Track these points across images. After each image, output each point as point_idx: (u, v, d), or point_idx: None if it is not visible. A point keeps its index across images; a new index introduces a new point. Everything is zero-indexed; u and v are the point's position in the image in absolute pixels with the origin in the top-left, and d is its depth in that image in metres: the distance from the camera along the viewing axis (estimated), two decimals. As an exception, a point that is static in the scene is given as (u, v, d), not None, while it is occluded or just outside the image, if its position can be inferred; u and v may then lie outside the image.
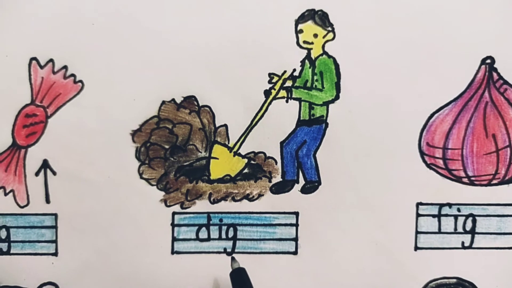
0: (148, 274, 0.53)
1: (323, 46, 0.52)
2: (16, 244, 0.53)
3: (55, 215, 0.52)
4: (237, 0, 0.51)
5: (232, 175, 0.53)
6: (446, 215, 0.54)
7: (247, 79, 0.52)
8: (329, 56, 0.52)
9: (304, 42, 0.52)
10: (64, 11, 0.51)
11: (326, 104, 0.53)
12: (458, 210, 0.54)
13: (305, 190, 0.53)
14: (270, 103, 0.52)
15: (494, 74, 0.53)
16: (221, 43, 0.52)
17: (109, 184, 0.52)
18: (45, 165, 0.52)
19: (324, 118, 0.53)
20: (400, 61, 0.52)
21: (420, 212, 0.54)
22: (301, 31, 0.52)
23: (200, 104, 0.52)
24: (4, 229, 0.53)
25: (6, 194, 0.52)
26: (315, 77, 0.52)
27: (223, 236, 0.53)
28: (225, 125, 0.53)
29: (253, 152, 0.53)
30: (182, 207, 0.53)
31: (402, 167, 0.53)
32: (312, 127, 0.53)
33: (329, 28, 0.52)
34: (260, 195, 0.53)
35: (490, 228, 0.54)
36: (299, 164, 0.53)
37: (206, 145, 0.53)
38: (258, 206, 0.53)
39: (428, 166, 0.53)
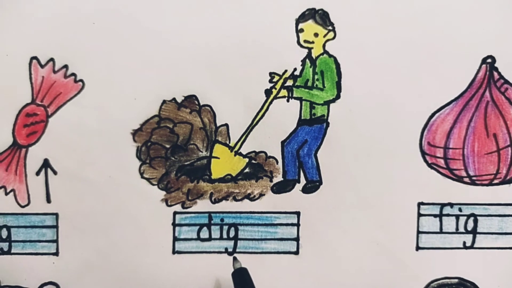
0: (149, 273, 0.53)
1: (323, 45, 0.52)
2: (17, 244, 0.53)
3: (56, 214, 0.52)
4: (237, -1, 0.51)
5: (233, 175, 0.53)
6: (448, 215, 0.54)
7: (248, 78, 0.52)
8: (330, 56, 0.52)
9: (305, 41, 0.52)
10: (65, 11, 0.51)
11: (327, 103, 0.53)
12: (460, 210, 0.54)
13: (306, 190, 0.53)
14: (271, 103, 0.52)
15: (495, 74, 0.53)
16: (222, 42, 0.52)
17: (110, 183, 0.52)
18: (46, 164, 0.52)
19: (325, 117, 0.53)
20: (401, 61, 0.52)
21: (422, 212, 0.53)
22: (301, 30, 0.52)
23: (201, 104, 0.52)
24: (5, 229, 0.52)
25: (6, 194, 0.52)
26: (316, 77, 0.52)
27: (224, 236, 0.53)
28: (226, 125, 0.53)
29: (254, 151, 0.53)
30: (183, 207, 0.53)
31: (403, 167, 0.53)
32: (313, 127, 0.53)
33: (330, 27, 0.52)
34: (261, 195, 0.53)
35: (492, 228, 0.54)
36: (300, 164, 0.53)
37: (207, 145, 0.53)
38: (259, 205, 0.53)
39: (429, 165, 0.53)
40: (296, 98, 0.53)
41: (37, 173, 0.52)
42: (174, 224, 0.53)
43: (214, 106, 0.52)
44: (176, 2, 0.51)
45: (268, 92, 0.52)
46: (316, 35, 0.52)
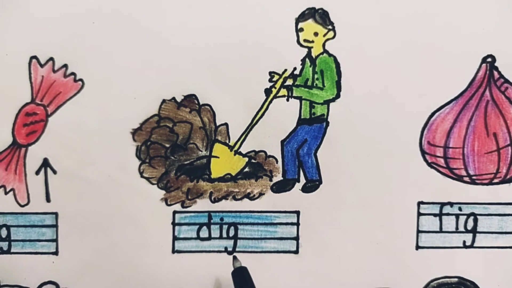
0: (149, 273, 0.53)
1: (323, 45, 0.52)
2: (16, 243, 0.53)
3: (56, 214, 0.52)
4: (237, -1, 0.51)
5: (233, 174, 0.53)
6: (447, 214, 0.54)
7: (247, 77, 0.52)
8: (330, 55, 0.52)
9: (305, 40, 0.52)
10: (64, 10, 0.51)
11: (327, 102, 0.53)
12: (460, 209, 0.54)
13: (306, 189, 0.53)
14: (270, 102, 0.52)
15: (495, 73, 0.53)
16: (222, 41, 0.52)
17: (109, 183, 0.52)
18: (46, 163, 0.52)
19: (325, 116, 0.53)
20: (401, 60, 0.52)
21: (421, 211, 0.53)
22: (301, 29, 0.52)
23: (201, 103, 0.52)
24: (4, 228, 0.52)
25: (6, 193, 0.52)
26: (316, 76, 0.52)
27: (224, 235, 0.53)
28: (226, 124, 0.53)
29: (253, 151, 0.53)
30: (182, 206, 0.53)
31: (403, 166, 0.53)
32: (313, 126, 0.53)
33: (330, 27, 0.52)
34: (261, 194, 0.53)
35: (492, 227, 0.54)
36: (300, 163, 0.53)
37: (207, 144, 0.53)
38: (259, 205, 0.53)
39: (429, 165, 0.53)
40: (295, 98, 0.53)
41: (37, 173, 0.52)
42: (174, 224, 0.53)
43: (213, 106, 0.52)
44: (175, 2, 0.51)
45: (267, 92, 0.52)
46: (316, 34, 0.52)
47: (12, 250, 0.53)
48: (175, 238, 0.53)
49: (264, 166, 0.53)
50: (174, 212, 0.53)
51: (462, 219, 0.54)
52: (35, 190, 0.52)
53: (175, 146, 0.53)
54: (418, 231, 0.54)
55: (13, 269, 0.53)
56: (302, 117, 0.53)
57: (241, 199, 0.53)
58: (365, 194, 0.53)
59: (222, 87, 0.52)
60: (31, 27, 0.51)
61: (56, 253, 0.53)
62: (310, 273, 0.53)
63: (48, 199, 0.52)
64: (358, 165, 0.53)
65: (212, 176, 0.53)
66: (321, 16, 0.52)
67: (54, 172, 0.52)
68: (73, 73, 0.51)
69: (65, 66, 0.51)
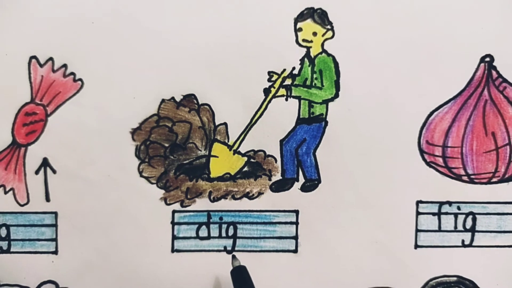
0: (148, 272, 0.53)
1: (322, 44, 0.52)
2: (16, 243, 0.53)
3: (55, 213, 0.52)
4: (236, -1, 0.52)
5: (232, 173, 0.53)
6: (446, 213, 0.54)
7: (246, 77, 0.52)
8: (329, 54, 0.52)
9: (303, 40, 0.52)
10: (64, 10, 0.51)
11: (326, 102, 0.53)
12: (458, 208, 0.54)
13: (305, 188, 0.53)
14: (269, 102, 0.52)
15: (493, 72, 0.53)
16: (221, 41, 0.52)
17: (109, 182, 0.52)
18: (45, 163, 0.52)
19: (324, 116, 0.53)
20: (400, 59, 0.52)
21: (420, 210, 0.54)
22: (300, 29, 0.52)
23: (200, 103, 0.52)
24: (4, 227, 0.52)
25: (6, 193, 0.52)
26: (315, 75, 0.52)
27: (223, 234, 0.53)
28: (225, 123, 0.53)
29: (252, 150, 0.53)
30: (182, 205, 0.53)
31: (402, 165, 0.53)
32: (312, 125, 0.53)
33: (328, 27, 0.52)
34: (260, 193, 0.53)
35: (490, 226, 0.54)
36: (298, 162, 0.53)
37: (206, 143, 0.53)
38: (258, 204, 0.53)
39: (428, 164, 0.53)
40: (294, 97, 0.53)
41: (36, 172, 0.52)
42: (173, 223, 0.53)
43: (213, 105, 0.52)
44: (174, 2, 0.51)
45: (266, 91, 0.52)
46: (314, 34, 0.52)
47: (11, 250, 0.53)
48: (174, 238, 0.53)
49: (263, 166, 0.53)
50: (174, 211, 0.53)
51: (460, 218, 0.54)
52: (34, 189, 0.52)
53: (174, 146, 0.53)
54: (417, 230, 0.54)
55: (13, 269, 0.53)
56: (301, 116, 0.53)
57: (240, 198, 0.53)
58: (364, 193, 0.53)
59: (221, 86, 0.52)
60: (31, 27, 0.51)
61: (55, 252, 0.53)
62: (309, 272, 0.54)
63: (47, 199, 0.52)
64: (357, 164, 0.53)
65: (211, 176, 0.53)
66: (320, 16, 0.52)
67: (54, 171, 0.52)
68: (72, 73, 0.51)
69: (65, 66, 0.51)
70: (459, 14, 0.52)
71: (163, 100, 0.52)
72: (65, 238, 0.53)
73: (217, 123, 0.53)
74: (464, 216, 0.54)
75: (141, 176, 0.52)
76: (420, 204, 0.53)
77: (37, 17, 0.51)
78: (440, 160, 0.53)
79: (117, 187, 0.52)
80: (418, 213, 0.54)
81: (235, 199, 0.53)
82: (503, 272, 0.54)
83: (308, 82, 0.53)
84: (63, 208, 0.52)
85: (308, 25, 0.52)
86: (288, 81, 0.52)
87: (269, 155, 0.53)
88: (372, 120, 0.53)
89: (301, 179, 0.53)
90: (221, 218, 0.53)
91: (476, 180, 0.53)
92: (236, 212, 0.53)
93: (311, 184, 0.53)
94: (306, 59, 0.52)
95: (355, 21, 0.52)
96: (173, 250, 0.53)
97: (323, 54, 0.52)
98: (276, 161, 0.53)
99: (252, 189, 0.53)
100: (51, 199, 0.52)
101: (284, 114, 0.53)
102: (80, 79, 0.52)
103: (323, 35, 0.52)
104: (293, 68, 0.52)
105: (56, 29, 0.51)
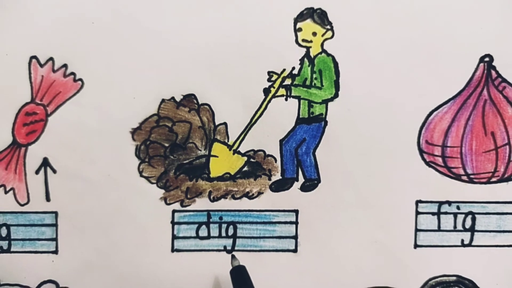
0: (148, 272, 0.53)
1: (322, 44, 0.52)
2: (16, 242, 0.53)
3: (55, 213, 0.52)
4: (236, -1, 0.52)
5: (232, 173, 0.53)
6: (446, 213, 0.54)
7: (246, 77, 0.52)
8: (328, 54, 0.52)
9: (303, 40, 0.52)
10: (64, 10, 0.51)
11: (325, 102, 0.53)
12: (458, 208, 0.54)
13: (304, 188, 0.53)
14: (269, 101, 0.52)
15: (493, 72, 0.53)
16: (220, 41, 0.52)
17: (109, 182, 0.52)
18: (45, 163, 0.52)
19: (324, 116, 0.53)
20: (399, 59, 0.52)
21: (420, 210, 0.54)
22: (300, 29, 0.52)
23: (200, 102, 0.52)
24: (4, 227, 0.53)
25: (6, 192, 0.52)
26: (314, 75, 0.52)
27: (223, 234, 0.53)
28: (225, 123, 0.53)
29: (252, 150, 0.53)
30: (182, 205, 0.53)
31: (402, 165, 0.53)
32: (312, 125, 0.53)
33: (328, 27, 0.52)
34: (259, 193, 0.53)
35: (490, 226, 0.54)
36: (298, 162, 0.53)
37: (206, 143, 0.53)
38: (257, 204, 0.53)
39: (427, 164, 0.53)
40: (294, 97, 0.53)
41: (37, 172, 0.52)
42: (173, 223, 0.53)
43: (212, 105, 0.53)
44: (174, 2, 0.51)
45: (266, 91, 0.52)
46: (314, 34, 0.52)
47: (12, 249, 0.53)
48: (174, 237, 0.53)
49: (263, 165, 0.53)
50: (173, 211, 0.53)
51: (460, 217, 0.54)
52: (35, 189, 0.52)
53: (174, 146, 0.53)
54: (416, 230, 0.54)
55: (13, 268, 0.53)
56: (300, 116, 0.53)
57: (240, 198, 0.53)
58: (364, 193, 0.53)
59: (221, 87, 0.52)
60: (31, 27, 0.51)
61: (55, 252, 0.53)
62: (309, 272, 0.54)
63: (48, 198, 0.52)
64: (357, 164, 0.53)
65: (211, 175, 0.53)
66: (320, 16, 0.52)
67: (54, 171, 0.52)
68: (72, 73, 0.51)
69: (65, 66, 0.51)
70: (458, 14, 0.52)
71: (163, 100, 0.52)
72: (65, 238, 0.53)
73: (217, 123, 0.53)
74: (463, 215, 0.54)
75: (141, 176, 0.53)
76: (419, 204, 0.53)
77: (37, 17, 0.51)
78: (439, 160, 0.53)
79: (117, 187, 0.52)
80: (417, 213, 0.54)
81: (235, 198, 0.53)
82: (503, 271, 0.54)
83: (307, 82, 0.53)
84: (63, 208, 0.52)
85: (308, 25, 0.52)
86: (287, 81, 0.52)
87: (269, 155, 0.53)
88: (371, 120, 0.53)
89: (301, 179, 0.53)
90: (221, 218, 0.53)
91: (475, 180, 0.53)
92: (236, 211, 0.53)
93: (310, 184, 0.53)
94: (305, 59, 0.52)
95: (355, 21, 0.52)
96: (173, 250, 0.53)
97: (323, 54, 0.52)
98: (275, 161, 0.53)
99: (252, 189, 0.53)
100: (51, 199, 0.52)
101: (284, 114, 0.53)
102: (80, 79, 0.52)
103: (322, 35, 0.52)
104: (293, 68, 0.52)
105: (56, 29, 0.51)
